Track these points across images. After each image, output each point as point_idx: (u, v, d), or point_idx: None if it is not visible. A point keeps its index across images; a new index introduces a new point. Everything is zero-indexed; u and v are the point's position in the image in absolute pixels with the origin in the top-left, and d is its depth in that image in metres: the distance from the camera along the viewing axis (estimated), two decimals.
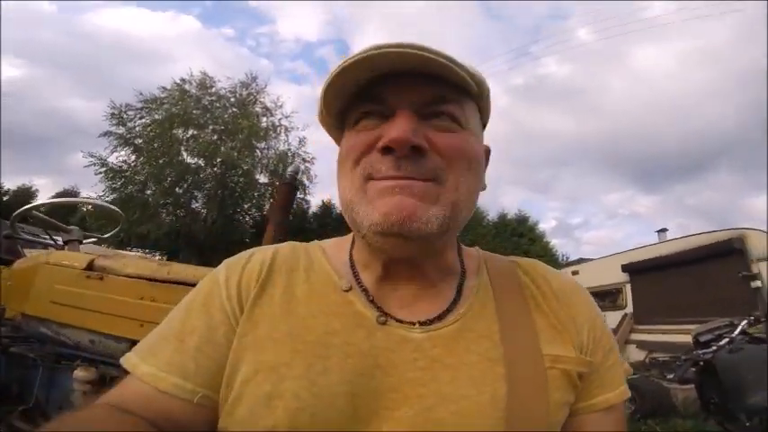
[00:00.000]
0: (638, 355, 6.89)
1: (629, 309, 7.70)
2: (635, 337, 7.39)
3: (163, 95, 14.74)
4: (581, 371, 0.50)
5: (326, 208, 18.78)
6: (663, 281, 6.88)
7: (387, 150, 0.46)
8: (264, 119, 15.77)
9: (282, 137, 16.13)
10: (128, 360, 0.50)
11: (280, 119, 16.06)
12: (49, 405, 1.52)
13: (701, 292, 5.99)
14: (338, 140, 0.55)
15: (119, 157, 14.21)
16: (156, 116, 14.43)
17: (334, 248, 0.60)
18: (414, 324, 0.50)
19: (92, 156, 13.76)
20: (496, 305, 0.53)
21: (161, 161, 14.05)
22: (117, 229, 2.49)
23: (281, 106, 16.13)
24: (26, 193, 24.33)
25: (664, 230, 13.12)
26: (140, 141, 14.27)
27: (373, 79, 0.47)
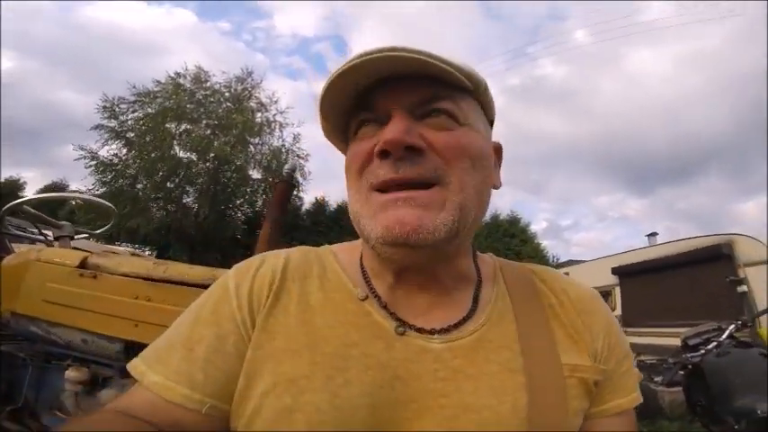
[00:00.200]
0: None
1: (618, 311, 7.78)
2: None
3: (156, 89, 14.58)
4: (597, 378, 0.51)
5: (320, 205, 18.72)
6: (652, 284, 6.97)
7: (383, 154, 0.46)
8: (259, 114, 15.70)
9: (277, 133, 16.10)
10: (135, 368, 0.49)
11: (275, 114, 16.01)
12: (38, 405, 1.49)
13: (689, 296, 6.08)
14: (345, 152, 0.55)
15: (110, 150, 14.04)
16: (149, 110, 14.28)
17: (346, 254, 0.58)
18: (432, 334, 0.49)
19: (82, 149, 13.58)
20: (515, 314, 0.52)
21: (153, 155, 13.87)
22: (109, 225, 2.44)
23: (276, 102, 16.08)
24: (14, 186, 23.90)
25: (654, 234, 13.33)
26: (132, 135, 14.09)
27: (368, 87, 0.47)
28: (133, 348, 1.44)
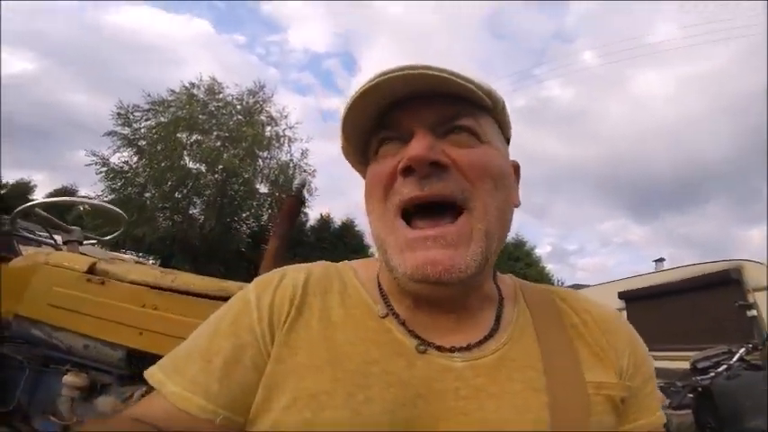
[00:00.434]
0: None
1: None
2: None
3: (170, 98, 14.77)
4: (624, 395, 0.50)
5: (324, 222, 18.75)
6: (660, 308, 6.93)
7: (407, 171, 0.46)
8: (269, 128, 15.82)
9: (285, 147, 16.17)
10: (153, 376, 0.49)
11: (284, 129, 16.12)
12: (31, 408, 1.46)
13: (697, 320, 6.05)
14: (364, 175, 0.55)
15: (121, 157, 14.15)
16: (162, 119, 14.42)
17: (365, 271, 0.58)
18: (453, 352, 0.48)
19: (94, 154, 13.70)
20: (537, 333, 0.52)
21: (163, 164, 13.98)
22: (119, 232, 2.43)
23: (286, 116, 16.22)
24: (24, 188, 24.13)
25: (661, 260, 13.29)
26: (144, 143, 14.22)
27: (389, 106, 0.48)
28: (135, 357, 1.41)
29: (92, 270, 1.55)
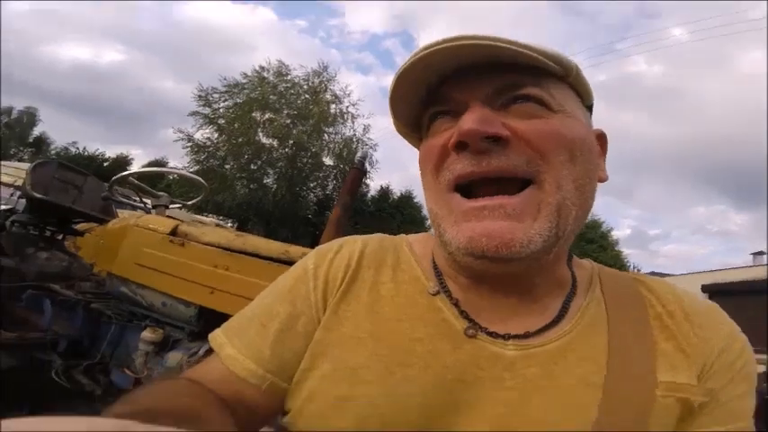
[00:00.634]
0: None
1: None
2: None
3: (244, 81, 15.76)
4: (703, 400, 0.42)
5: (384, 193, 18.95)
6: (748, 306, 6.16)
7: (461, 147, 0.41)
8: (333, 106, 16.33)
9: (349, 123, 16.68)
10: (215, 338, 0.50)
11: (347, 106, 16.59)
12: (112, 361, 1.59)
13: None
14: (418, 147, 0.51)
15: (203, 134, 15.42)
16: (238, 100, 15.52)
17: (421, 245, 0.55)
18: (507, 339, 0.44)
19: (180, 132, 15.12)
20: (609, 324, 0.45)
21: (240, 140, 15.02)
22: (200, 198, 2.59)
23: (348, 95, 16.63)
24: (123, 161, 27.12)
25: (761, 253, 11.61)
26: (223, 122, 15.38)
27: (442, 80, 0.44)
28: (206, 314, 1.48)
29: (174, 232, 1.64)
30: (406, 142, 0.55)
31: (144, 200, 2.45)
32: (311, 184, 17.31)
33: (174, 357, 1.40)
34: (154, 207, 2.29)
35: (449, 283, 0.48)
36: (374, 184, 18.81)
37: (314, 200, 17.65)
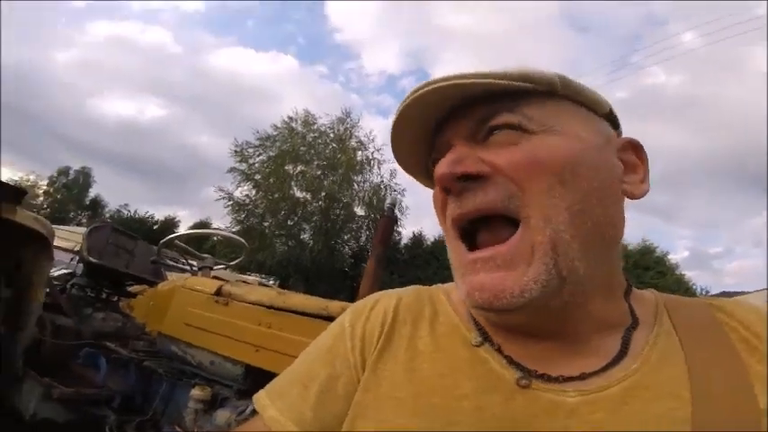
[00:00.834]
0: None
1: None
2: None
3: (275, 133, 16.30)
4: None
5: (417, 239, 18.79)
6: None
7: (446, 191, 0.42)
8: (359, 152, 16.50)
9: (375, 170, 16.74)
10: (259, 400, 0.48)
11: (372, 152, 16.66)
12: (163, 418, 1.59)
13: None
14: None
15: (242, 191, 15.99)
16: (271, 153, 15.99)
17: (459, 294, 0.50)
18: (564, 382, 0.38)
19: (221, 190, 15.74)
20: (686, 354, 0.39)
21: (276, 195, 15.48)
22: (242, 258, 2.66)
23: (372, 140, 16.72)
24: (171, 223, 28.62)
25: None
26: (259, 177, 15.92)
27: (438, 124, 0.44)
28: (251, 372, 1.46)
29: (219, 292, 1.68)
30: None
31: (190, 262, 2.55)
32: (345, 237, 17.32)
33: (222, 416, 1.38)
34: (199, 269, 2.37)
35: (490, 331, 0.45)
36: (406, 231, 18.68)
37: (349, 252, 17.64)
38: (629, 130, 0.49)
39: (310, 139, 16.27)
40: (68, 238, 4.41)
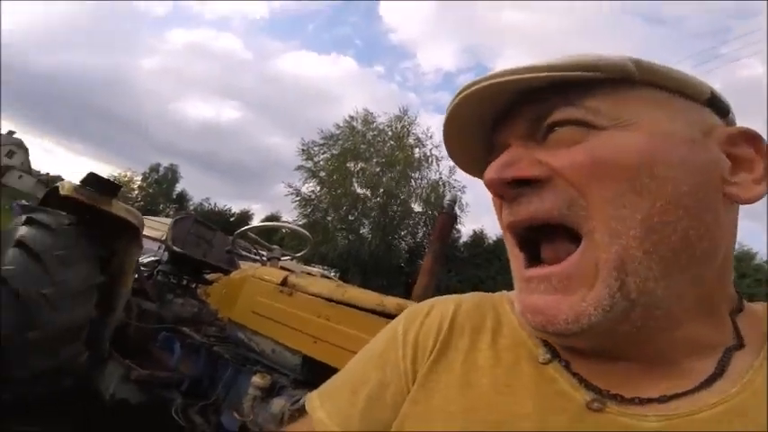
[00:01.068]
0: None
1: None
2: None
3: (337, 132, 17.07)
4: None
5: (478, 238, 18.27)
6: None
7: (500, 197, 0.37)
8: (417, 150, 16.74)
9: (434, 166, 16.68)
10: (311, 400, 0.47)
11: (430, 149, 16.77)
12: (224, 404, 1.64)
13: None
14: None
15: (308, 187, 16.79)
16: (334, 151, 16.80)
17: None
18: (644, 405, 0.32)
19: (290, 186, 16.72)
20: None
21: (338, 191, 16.10)
22: (307, 250, 2.74)
23: (430, 137, 16.87)
24: (246, 216, 30.82)
25: None
26: (323, 174, 16.62)
27: (494, 123, 0.39)
28: (308, 363, 1.48)
29: (284, 282, 1.71)
30: None
31: (260, 252, 2.67)
32: (402, 233, 17.58)
33: (277, 404, 1.40)
34: (268, 259, 2.46)
35: (558, 347, 0.39)
36: (466, 229, 18.31)
37: (405, 248, 17.80)
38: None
39: (370, 138, 16.85)
40: (158, 228, 4.85)
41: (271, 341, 1.61)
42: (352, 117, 17.15)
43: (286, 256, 2.67)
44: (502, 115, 0.38)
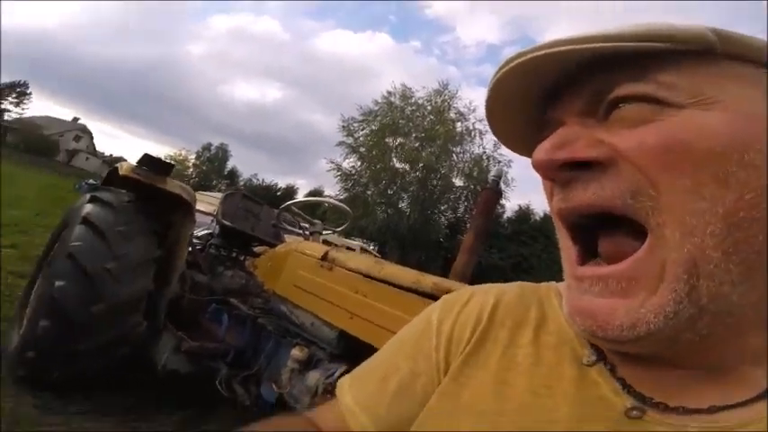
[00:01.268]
0: None
1: None
2: None
3: (376, 108, 17.01)
4: None
5: (523, 214, 17.65)
6: None
7: (552, 180, 0.33)
8: (459, 124, 16.28)
9: (477, 141, 16.14)
10: (341, 385, 0.46)
11: (474, 123, 16.18)
12: (264, 374, 1.68)
13: None
14: None
15: (349, 162, 16.94)
16: (373, 127, 16.76)
17: None
18: (688, 414, 0.29)
19: (332, 162, 16.92)
20: None
21: (378, 166, 16.11)
22: (347, 224, 2.76)
23: (473, 110, 16.40)
24: (291, 191, 31.81)
25: None
26: (363, 149, 16.64)
27: (547, 95, 0.34)
28: (344, 338, 1.49)
29: (325, 257, 1.73)
30: None
31: (302, 225, 2.72)
32: (442, 207, 17.41)
33: (312, 377, 1.43)
34: (311, 233, 2.50)
35: (606, 349, 0.36)
36: (510, 204, 17.73)
37: (445, 223, 17.64)
38: None
39: (408, 113, 16.59)
40: (212, 203, 5.09)
41: (310, 314, 1.64)
42: (389, 92, 17.01)
43: (327, 230, 2.71)
44: (553, 90, 0.33)
